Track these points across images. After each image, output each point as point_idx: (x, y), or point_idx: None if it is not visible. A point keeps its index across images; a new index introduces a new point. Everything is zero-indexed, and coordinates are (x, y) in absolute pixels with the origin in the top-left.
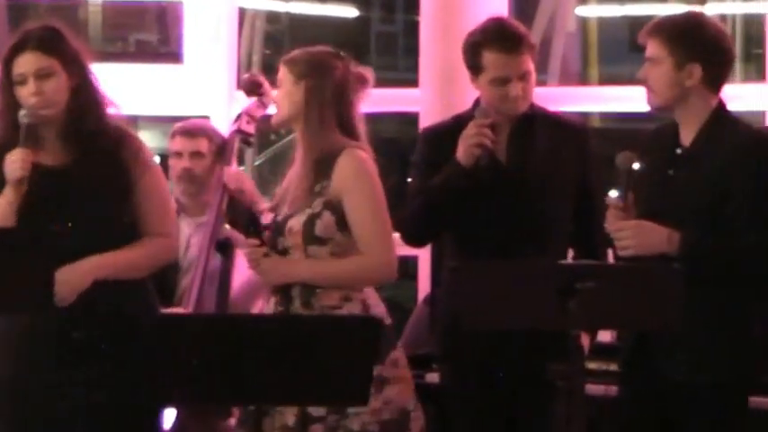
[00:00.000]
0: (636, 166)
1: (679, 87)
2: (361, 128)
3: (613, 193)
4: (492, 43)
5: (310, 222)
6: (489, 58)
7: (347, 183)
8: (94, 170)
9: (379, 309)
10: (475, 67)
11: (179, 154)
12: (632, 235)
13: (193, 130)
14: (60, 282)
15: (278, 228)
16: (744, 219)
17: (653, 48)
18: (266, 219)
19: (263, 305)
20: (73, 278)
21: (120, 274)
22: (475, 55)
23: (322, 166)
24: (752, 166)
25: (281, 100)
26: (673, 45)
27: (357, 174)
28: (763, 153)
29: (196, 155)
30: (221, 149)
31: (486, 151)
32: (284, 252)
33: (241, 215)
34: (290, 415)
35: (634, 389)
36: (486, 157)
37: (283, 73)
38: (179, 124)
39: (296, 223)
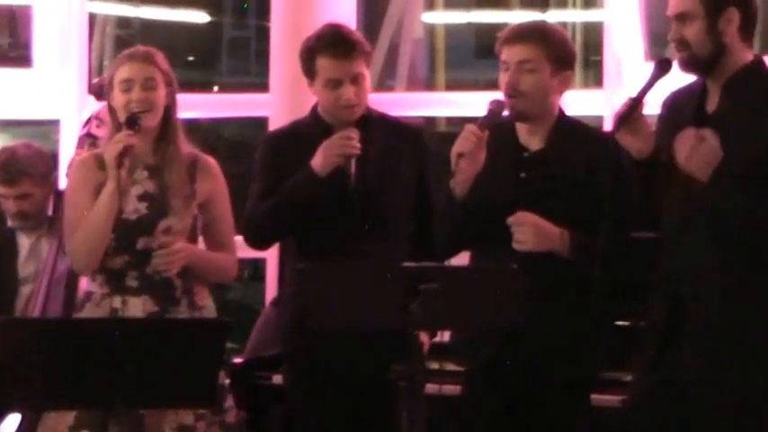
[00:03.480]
0: (505, 113)
1: (549, 94)
2: None
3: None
4: (324, 48)
5: (194, 225)
6: (322, 62)
7: (216, 186)
8: None
9: None
10: (310, 72)
11: (4, 196)
12: (532, 232)
13: (12, 174)
14: None
15: (140, 227)
16: (605, 219)
17: (528, 53)
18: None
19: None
20: None
21: None
22: (309, 60)
23: (189, 171)
24: (607, 169)
25: (159, 100)
26: (550, 52)
27: (221, 177)
28: (615, 154)
29: (22, 197)
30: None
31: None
32: (146, 252)
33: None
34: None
35: (491, 386)
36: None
37: (155, 72)
38: None
39: (177, 224)
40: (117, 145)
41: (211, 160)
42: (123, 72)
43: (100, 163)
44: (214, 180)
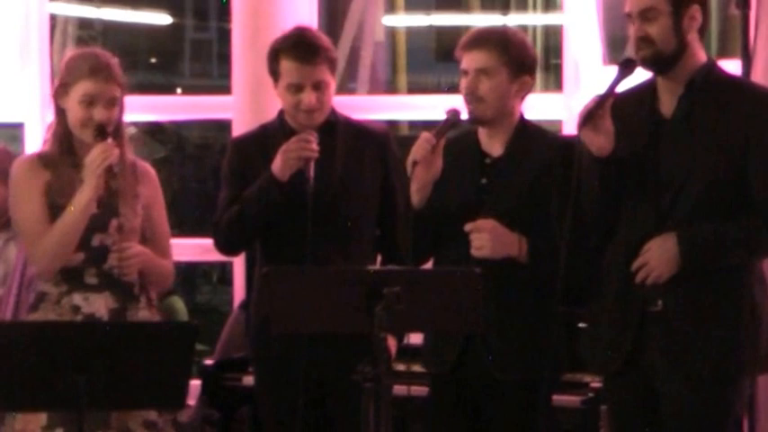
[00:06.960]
0: (463, 117)
1: (508, 98)
2: None
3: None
4: (288, 51)
5: (142, 227)
6: (285, 65)
7: (156, 192)
8: None
9: None
10: (274, 74)
11: None
12: (489, 238)
13: None
14: None
15: (94, 224)
16: (557, 223)
17: (485, 59)
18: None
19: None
20: None
21: None
22: (274, 61)
23: (131, 175)
24: (559, 173)
25: (117, 114)
26: (507, 57)
27: (158, 184)
28: (567, 160)
29: None
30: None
31: (308, 162)
32: (102, 250)
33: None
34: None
35: (455, 390)
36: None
37: (116, 90)
38: None
39: (127, 223)
40: (104, 155)
41: (148, 166)
42: (85, 87)
43: (44, 162)
44: (152, 186)
